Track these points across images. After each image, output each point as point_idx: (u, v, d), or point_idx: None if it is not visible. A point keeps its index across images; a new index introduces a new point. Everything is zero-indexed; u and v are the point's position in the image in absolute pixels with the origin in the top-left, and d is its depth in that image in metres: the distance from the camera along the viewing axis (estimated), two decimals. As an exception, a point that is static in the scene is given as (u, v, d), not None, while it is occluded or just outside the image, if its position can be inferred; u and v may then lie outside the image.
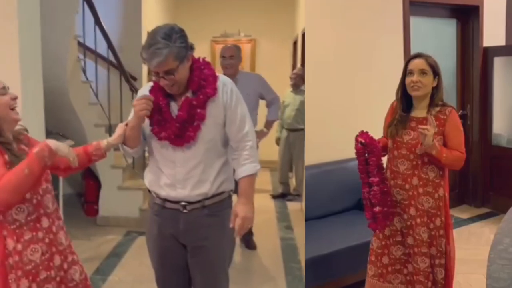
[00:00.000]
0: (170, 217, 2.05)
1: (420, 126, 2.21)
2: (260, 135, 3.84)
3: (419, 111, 2.35)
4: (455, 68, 4.90)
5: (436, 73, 2.31)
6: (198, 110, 1.95)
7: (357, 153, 2.34)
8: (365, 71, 3.93)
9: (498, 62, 4.83)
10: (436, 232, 2.34)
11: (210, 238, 2.06)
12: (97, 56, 4.81)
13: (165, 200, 2.05)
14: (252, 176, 2.03)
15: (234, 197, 2.15)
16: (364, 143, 2.30)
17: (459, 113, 4.79)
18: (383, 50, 4.05)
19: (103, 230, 4.58)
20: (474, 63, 4.85)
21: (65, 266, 1.82)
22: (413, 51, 4.13)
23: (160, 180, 2.05)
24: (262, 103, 4.04)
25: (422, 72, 2.28)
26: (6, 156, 1.68)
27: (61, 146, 1.66)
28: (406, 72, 2.33)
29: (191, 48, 1.94)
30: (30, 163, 1.59)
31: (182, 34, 1.89)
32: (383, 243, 2.46)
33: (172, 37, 1.85)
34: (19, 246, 1.69)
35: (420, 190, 2.34)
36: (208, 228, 2.05)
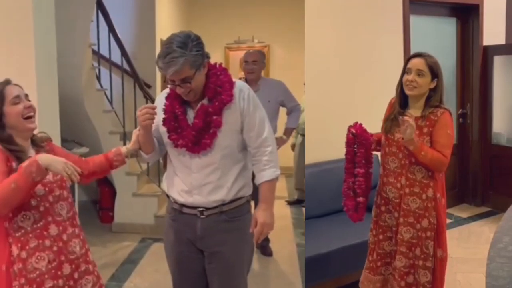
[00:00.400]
0: (187, 222, 2.05)
1: (404, 118, 2.19)
2: (279, 142, 3.82)
3: (413, 111, 2.33)
4: (455, 66, 4.92)
5: (435, 74, 2.28)
6: (214, 117, 1.94)
7: (347, 142, 2.36)
8: (365, 70, 3.91)
9: (498, 61, 4.82)
10: (422, 234, 2.31)
11: (228, 243, 2.04)
12: (111, 64, 4.85)
13: (182, 205, 2.05)
14: (272, 182, 2.01)
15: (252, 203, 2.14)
16: (355, 134, 2.32)
17: (459, 111, 4.85)
18: (383, 49, 4.04)
19: (118, 236, 4.59)
20: (474, 62, 4.87)
21: (76, 275, 1.80)
22: (413, 50, 4.12)
23: (177, 186, 2.05)
24: (282, 110, 4.02)
25: (419, 72, 2.26)
26: (14, 164, 1.68)
27: (54, 162, 1.61)
28: (404, 70, 2.33)
29: (207, 56, 1.93)
30: (17, 177, 1.57)
31: (198, 42, 1.88)
32: (376, 238, 2.50)
33: (188, 45, 1.84)
34: (23, 254, 1.69)
35: (407, 190, 2.33)
36: (226, 234, 2.04)
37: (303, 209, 5.70)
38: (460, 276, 3.38)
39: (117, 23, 4.84)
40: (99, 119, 4.61)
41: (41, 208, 1.73)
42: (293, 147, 5.95)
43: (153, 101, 4.92)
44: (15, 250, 1.68)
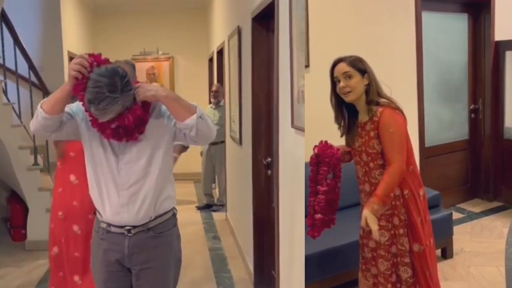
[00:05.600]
0: (116, 241, 2.03)
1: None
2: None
3: (362, 115, 2.30)
4: (467, 62, 4.90)
5: (362, 70, 2.24)
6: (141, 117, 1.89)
7: (310, 162, 2.32)
8: (375, 67, 3.58)
9: (510, 56, 4.80)
10: (395, 231, 2.30)
11: (156, 259, 2.05)
12: (18, 77, 4.74)
13: (110, 224, 2.03)
14: (191, 104, 1.90)
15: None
16: (317, 153, 2.29)
17: (471, 107, 4.87)
18: (395, 46, 3.92)
19: (33, 255, 4.45)
20: (486, 57, 4.84)
21: None
22: (425, 46, 4.19)
23: (103, 204, 2.01)
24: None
25: (347, 76, 2.22)
26: None
27: None
28: (333, 81, 2.29)
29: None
30: None
31: (127, 79, 1.82)
32: (361, 242, 2.50)
33: (118, 86, 1.77)
34: None
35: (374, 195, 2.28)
36: (153, 250, 2.04)
37: (212, 213, 6.04)
38: (474, 269, 3.43)
39: (22, 35, 4.76)
40: (7, 134, 4.45)
41: None
42: (202, 154, 6.24)
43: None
44: None
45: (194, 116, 1.85)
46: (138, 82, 1.94)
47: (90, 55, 1.84)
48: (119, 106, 1.79)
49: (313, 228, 2.34)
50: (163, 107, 1.96)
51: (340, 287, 3.10)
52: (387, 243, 2.32)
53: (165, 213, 2.06)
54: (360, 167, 2.36)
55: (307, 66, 3.39)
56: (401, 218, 2.28)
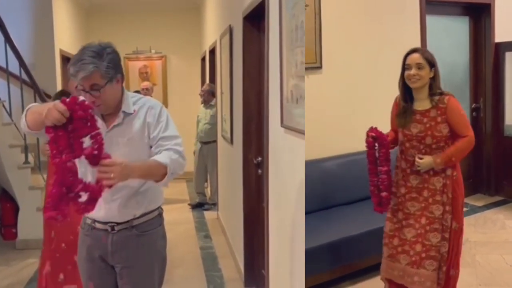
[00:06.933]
0: (99, 238, 2.04)
1: (417, 160, 2.48)
2: None
3: (420, 103, 2.54)
4: (468, 63, 5.08)
5: (432, 64, 2.51)
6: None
7: (368, 146, 2.56)
8: (383, 68, 3.84)
9: (510, 57, 4.99)
10: (445, 208, 2.53)
11: (139, 258, 2.05)
12: (9, 74, 4.72)
13: (95, 220, 2.04)
14: (162, 165, 1.86)
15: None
16: (375, 137, 2.53)
17: (472, 106, 5.08)
18: (401, 48, 3.93)
19: (23, 254, 4.45)
20: (487, 58, 5.03)
21: None
22: (428, 48, 4.23)
23: None
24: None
25: (419, 66, 2.48)
26: None
27: None
28: (404, 67, 2.53)
29: (121, 73, 1.93)
30: None
31: (113, 56, 1.89)
32: (396, 226, 2.64)
33: (102, 55, 1.84)
34: None
35: (431, 172, 2.54)
36: (137, 248, 2.04)
37: (204, 212, 6.05)
38: (479, 257, 3.64)
39: (14, 33, 4.74)
40: (-3, 133, 4.47)
41: None
42: (195, 153, 6.25)
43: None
44: None
45: (165, 178, 1.89)
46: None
47: (73, 104, 1.68)
48: (95, 69, 1.81)
49: (381, 205, 2.59)
50: (149, 115, 1.97)
51: (335, 281, 3.16)
52: (440, 217, 2.53)
53: (150, 212, 2.06)
54: (417, 151, 2.55)
55: (319, 67, 3.59)
56: (449, 196, 2.53)
